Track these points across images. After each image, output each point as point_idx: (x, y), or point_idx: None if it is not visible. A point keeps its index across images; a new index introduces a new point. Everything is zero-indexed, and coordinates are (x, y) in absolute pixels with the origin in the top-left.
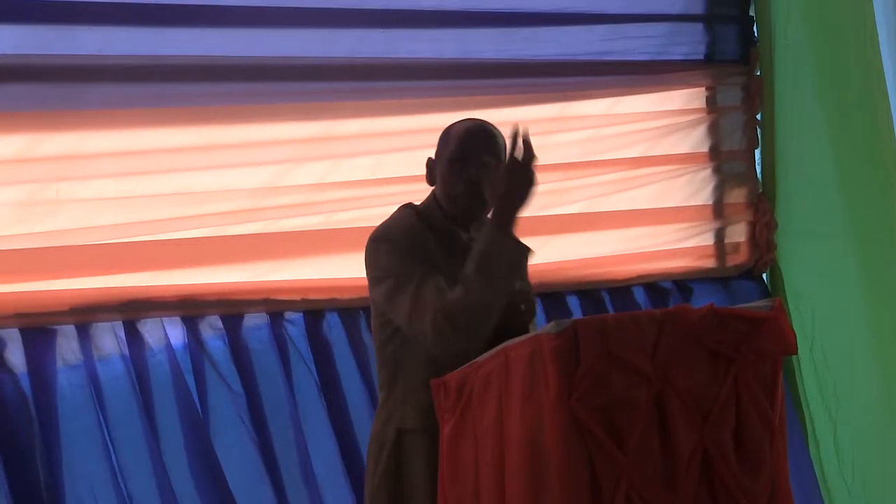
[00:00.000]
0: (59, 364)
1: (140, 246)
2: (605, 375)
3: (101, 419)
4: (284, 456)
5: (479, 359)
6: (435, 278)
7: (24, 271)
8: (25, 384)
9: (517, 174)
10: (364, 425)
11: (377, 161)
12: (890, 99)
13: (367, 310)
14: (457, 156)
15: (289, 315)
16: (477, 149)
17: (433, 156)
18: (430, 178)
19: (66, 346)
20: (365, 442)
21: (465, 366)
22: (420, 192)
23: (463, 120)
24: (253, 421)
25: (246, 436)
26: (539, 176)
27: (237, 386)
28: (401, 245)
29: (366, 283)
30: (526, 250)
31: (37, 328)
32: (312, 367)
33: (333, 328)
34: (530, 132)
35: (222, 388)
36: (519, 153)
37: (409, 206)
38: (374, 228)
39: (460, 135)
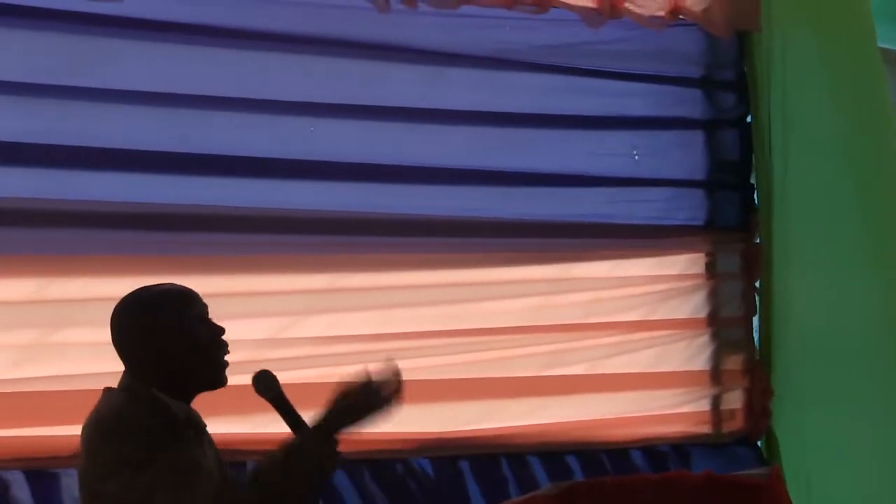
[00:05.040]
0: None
1: None
2: None
3: None
4: None
5: None
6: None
7: (27, 416)
8: None
9: (370, 394)
10: None
11: (382, 316)
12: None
13: (373, 462)
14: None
15: None
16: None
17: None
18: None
19: (74, 486)
20: None
21: None
22: (421, 349)
23: (152, 288)
24: None
25: None
26: (541, 336)
27: None
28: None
29: (370, 436)
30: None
31: (40, 471)
32: None
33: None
34: (536, 292)
35: None
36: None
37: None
38: None
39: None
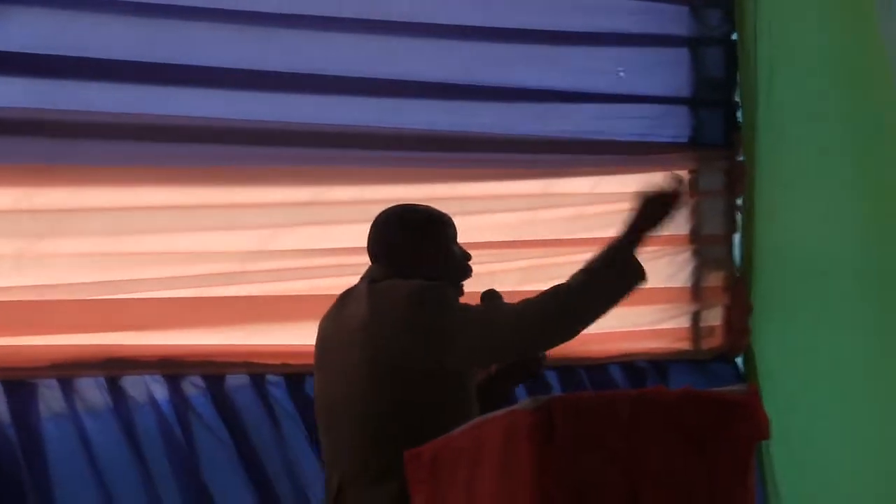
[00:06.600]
0: (45, 414)
1: (124, 304)
2: (578, 454)
3: (92, 463)
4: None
5: (452, 432)
6: None
7: (5, 325)
8: (11, 433)
9: (659, 202)
10: None
11: (365, 229)
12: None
13: None
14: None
15: (271, 377)
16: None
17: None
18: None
19: (50, 397)
20: None
21: (438, 439)
22: None
23: (419, 206)
24: (245, 465)
25: (238, 477)
26: (522, 252)
27: (224, 435)
28: None
29: None
30: (642, 274)
31: (18, 381)
32: (300, 422)
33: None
34: (518, 207)
35: (210, 436)
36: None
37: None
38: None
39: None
